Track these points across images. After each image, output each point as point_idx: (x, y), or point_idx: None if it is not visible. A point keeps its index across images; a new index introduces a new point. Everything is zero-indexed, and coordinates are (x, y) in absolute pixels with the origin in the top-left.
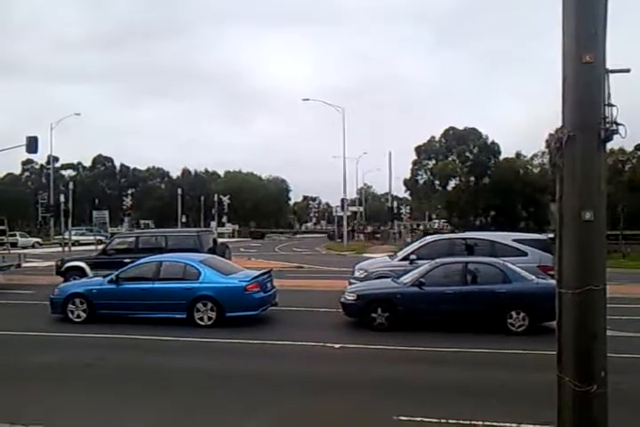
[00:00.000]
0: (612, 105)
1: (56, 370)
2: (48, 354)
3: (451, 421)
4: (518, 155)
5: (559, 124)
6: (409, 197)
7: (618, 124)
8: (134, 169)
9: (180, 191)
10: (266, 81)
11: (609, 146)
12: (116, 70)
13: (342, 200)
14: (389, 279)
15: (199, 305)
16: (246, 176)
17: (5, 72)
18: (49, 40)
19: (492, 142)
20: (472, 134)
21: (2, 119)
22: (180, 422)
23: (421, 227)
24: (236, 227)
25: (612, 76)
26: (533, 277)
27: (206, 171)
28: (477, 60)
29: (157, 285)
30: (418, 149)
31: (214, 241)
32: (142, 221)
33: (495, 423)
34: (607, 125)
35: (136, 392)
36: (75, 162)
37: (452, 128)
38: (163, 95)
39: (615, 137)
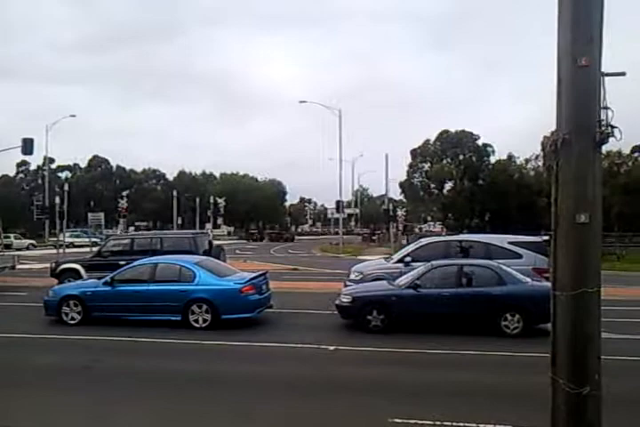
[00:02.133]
0: (608, 108)
1: (51, 372)
2: (42, 356)
3: (445, 423)
4: (510, 157)
5: (554, 126)
6: (404, 200)
7: (613, 127)
8: (130, 170)
9: (175, 193)
10: (262, 83)
11: (606, 148)
12: (113, 72)
13: (338, 202)
14: (385, 281)
15: (194, 307)
16: (242, 178)
17: (3, 74)
18: (44, 42)
19: (487, 145)
20: (466, 137)
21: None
22: (176, 424)
23: (417, 229)
24: (232, 229)
25: (607, 79)
26: (528, 279)
27: (203, 173)
28: (474, 62)
29: (152, 287)
30: (413, 152)
31: (210, 243)
32: (140, 224)
33: (490, 426)
34: (602, 128)
35: (131, 394)
36: (71, 163)
37: (445, 131)
38: (159, 97)
39: (611, 140)
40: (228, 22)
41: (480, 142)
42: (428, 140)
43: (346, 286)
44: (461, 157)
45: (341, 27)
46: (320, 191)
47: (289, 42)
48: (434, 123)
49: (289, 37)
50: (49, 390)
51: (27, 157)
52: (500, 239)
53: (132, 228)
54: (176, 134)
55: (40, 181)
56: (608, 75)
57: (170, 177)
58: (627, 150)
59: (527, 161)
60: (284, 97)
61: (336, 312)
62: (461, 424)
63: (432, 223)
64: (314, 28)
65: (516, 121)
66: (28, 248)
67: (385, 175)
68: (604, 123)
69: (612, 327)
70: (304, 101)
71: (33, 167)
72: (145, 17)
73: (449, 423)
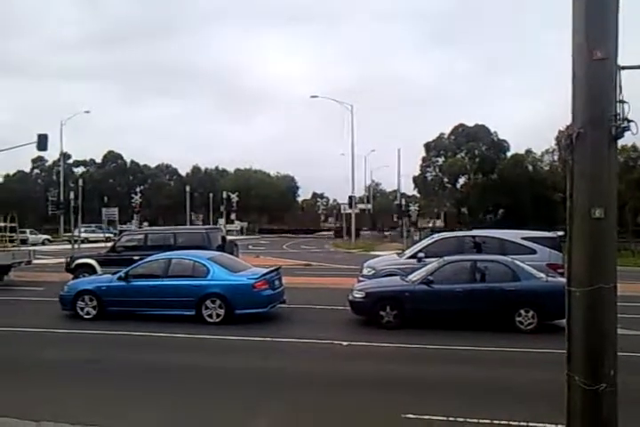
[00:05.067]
0: (624, 102)
1: (65, 366)
2: (57, 350)
3: (459, 419)
4: (528, 152)
5: (569, 120)
6: (417, 195)
7: (629, 121)
8: (144, 166)
9: (188, 189)
10: (271, 79)
11: (621, 143)
12: (121, 69)
13: (350, 197)
14: (398, 277)
15: (208, 302)
16: (255, 174)
17: (15, 71)
18: (50, 39)
19: (502, 139)
20: (481, 131)
21: (12, 118)
22: (187, 419)
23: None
24: (245, 224)
25: (624, 72)
26: (543, 275)
27: (216, 168)
28: (482, 58)
29: (166, 282)
30: (427, 146)
31: (223, 238)
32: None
33: (504, 422)
34: (618, 122)
35: (144, 388)
36: (87, 159)
37: (461, 125)
38: (168, 93)
39: (627, 134)
40: (234, 19)
41: (494, 137)
42: (442, 134)
43: (359, 281)
44: (477, 151)
45: (347, 23)
46: (332, 187)
47: (295, 38)
48: (444, 118)
49: (295, 34)
50: (61, 383)
51: (42, 153)
52: (514, 235)
53: (145, 223)
54: (187, 130)
55: (55, 177)
56: (624, 68)
57: (182, 172)
58: None
59: (542, 155)
60: (293, 93)
61: (349, 308)
62: (475, 420)
63: (434, 218)
64: (320, 25)
65: (527, 115)
66: (43, 243)
67: (397, 170)
68: (619, 117)
69: (628, 324)
70: (316, 96)
71: (49, 163)
72: (150, 14)
73: (462, 419)
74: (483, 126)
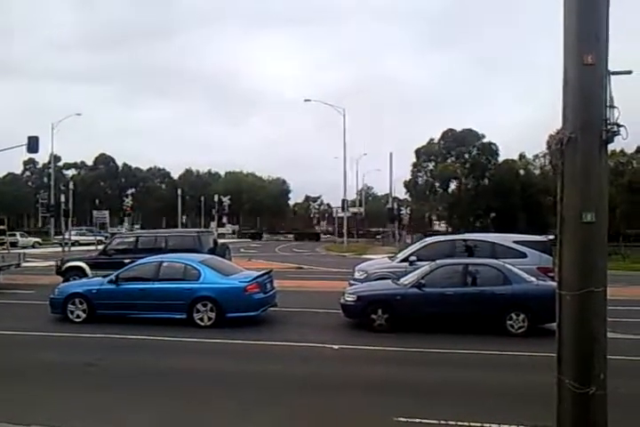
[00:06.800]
0: (614, 106)
1: (56, 370)
2: (48, 354)
3: (450, 422)
4: (521, 156)
5: (560, 125)
6: (409, 199)
7: (619, 126)
8: (136, 169)
9: (180, 192)
10: (264, 81)
11: (610, 147)
12: (115, 71)
13: (343, 201)
14: (389, 281)
15: (199, 306)
16: (247, 177)
17: (7, 73)
18: (47, 41)
19: (491, 144)
20: (470, 136)
21: (3, 119)
22: (179, 423)
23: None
24: (236, 228)
25: (614, 77)
26: (533, 278)
27: (209, 171)
28: (476, 61)
29: (157, 285)
30: (417, 152)
31: (214, 242)
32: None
33: (494, 425)
34: (608, 127)
35: (135, 392)
36: (78, 161)
37: (450, 130)
38: (162, 96)
39: (616, 138)
40: (228, 20)
41: (485, 141)
42: (432, 140)
43: (350, 284)
44: (466, 155)
45: (342, 25)
46: (324, 190)
47: (292, 40)
48: (437, 122)
49: (292, 35)
50: (53, 387)
51: (33, 155)
52: (505, 238)
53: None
54: (180, 133)
55: (46, 179)
56: (614, 73)
57: (174, 175)
58: (631, 150)
59: (533, 159)
60: (288, 95)
61: (340, 311)
62: (466, 424)
63: (436, 222)
64: (314, 27)
65: (518, 119)
66: (33, 246)
67: (389, 174)
68: (610, 121)
69: (617, 327)
70: (309, 100)
71: (40, 165)
72: (145, 17)
73: (453, 423)
74: (471, 131)
